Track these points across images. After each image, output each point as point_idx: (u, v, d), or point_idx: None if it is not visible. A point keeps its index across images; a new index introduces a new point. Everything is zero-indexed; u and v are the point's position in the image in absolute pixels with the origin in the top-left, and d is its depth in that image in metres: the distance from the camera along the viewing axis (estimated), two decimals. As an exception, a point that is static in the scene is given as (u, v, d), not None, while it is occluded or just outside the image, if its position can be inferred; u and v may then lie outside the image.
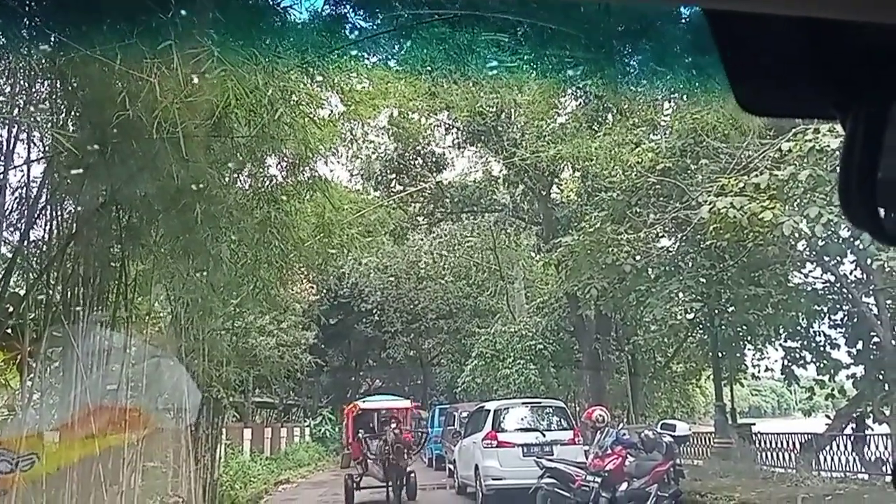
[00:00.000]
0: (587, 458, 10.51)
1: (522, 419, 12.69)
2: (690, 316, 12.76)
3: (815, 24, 0.92)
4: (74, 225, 8.11)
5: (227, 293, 10.21)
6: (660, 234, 11.96)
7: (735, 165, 10.09)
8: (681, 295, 12.26)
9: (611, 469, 9.30)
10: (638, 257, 12.18)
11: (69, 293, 8.33)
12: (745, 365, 15.84)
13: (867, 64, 0.94)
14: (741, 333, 14.08)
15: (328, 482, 19.72)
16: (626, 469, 9.31)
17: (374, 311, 30.63)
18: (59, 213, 8.09)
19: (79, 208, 8.07)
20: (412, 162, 19.13)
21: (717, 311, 12.92)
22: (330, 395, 33.69)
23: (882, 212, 0.98)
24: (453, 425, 17.93)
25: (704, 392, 25.64)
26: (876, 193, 0.96)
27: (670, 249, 12.37)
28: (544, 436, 11.89)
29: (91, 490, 8.29)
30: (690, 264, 12.26)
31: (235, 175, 8.53)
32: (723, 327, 13.18)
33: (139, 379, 9.60)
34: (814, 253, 12.20)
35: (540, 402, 13.47)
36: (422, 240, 24.07)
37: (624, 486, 9.13)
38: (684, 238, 11.47)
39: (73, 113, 7.64)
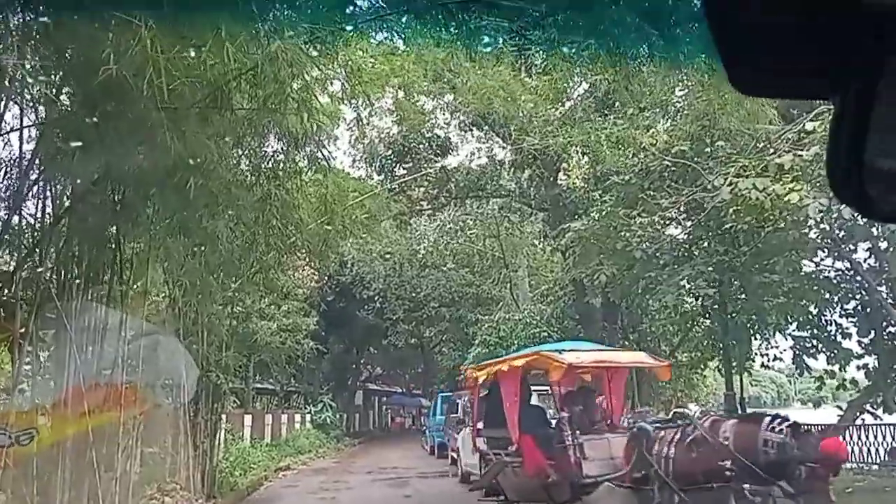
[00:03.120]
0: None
1: None
2: (702, 303, 12.35)
3: (807, 5, 0.95)
4: (67, 200, 7.82)
5: (225, 274, 9.91)
6: (673, 219, 11.59)
7: (753, 147, 9.75)
8: (692, 282, 11.91)
9: (623, 459, 8.97)
10: (649, 243, 11.84)
11: (62, 272, 8.06)
12: (754, 354, 15.51)
13: (855, 44, 0.95)
14: (751, 322, 13.73)
15: (329, 469, 19.55)
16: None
17: (375, 298, 30.34)
18: (52, 188, 7.80)
19: (72, 183, 7.75)
20: (417, 146, 18.74)
21: (728, 299, 12.55)
22: (330, 381, 33.49)
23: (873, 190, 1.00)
24: (456, 413, 17.67)
25: (706, 382, 25.37)
26: (862, 171, 0.98)
27: (683, 235, 12.01)
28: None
29: (84, 477, 8.04)
30: (703, 250, 11.92)
31: (234, 150, 8.21)
32: (733, 315, 12.82)
33: (135, 362, 9.35)
34: (829, 240, 11.86)
35: (546, 390, 13.10)
36: (425, 226, 23.75)
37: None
38: (698, 223, 11.13)
39: (66, 85, 7.33)
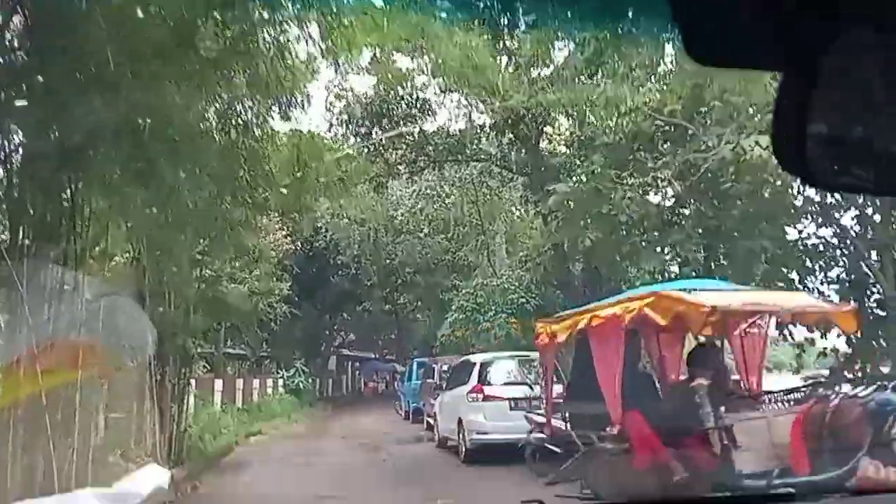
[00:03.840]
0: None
1: (510, 372, 12.06)
2: (687, 269, 11.94)
3: None
4: (14, 149, 7.17)
5: (191, 231, 9.31)
6: (661, 182, 11.16)
7: (751, 107, 9.36)
8: (678, 247, 11.53)
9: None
10: (636, 207, 11.51)
11: (12, 228, 7.44)
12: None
13: (805, 18, 0.99)
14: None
15: (301, 434, 19.21)
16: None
17: (350, 265, 29.98)
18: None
19: (19, 128, 7.09)
20: (394, 107, 18.08)
21: (715, 264, 12.17)
22: (303, 347, 33.08)
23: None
24: (433, 378, 17.40)
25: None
26: (806, 140, 1.03)
27: (671, 199, 11.59)
28: (532, 390, 11.29)
29: (39, 445, 7.55)
30: (693, 214, 11.52)
31: (199, 95, 7.56)
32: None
33: (95, 325, 8.79)
34: (818, 206, 11.59)
35: (528, 356, 12.79)
36: (401, 190, 23.21)
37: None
38: (689, 186, 10.73)
39: (12, 19, 6.66)
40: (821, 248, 13.28)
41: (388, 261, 30.24)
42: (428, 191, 22.64)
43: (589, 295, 17.94)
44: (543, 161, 16.98)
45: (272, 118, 8.11)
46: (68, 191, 7.58)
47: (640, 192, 10.76)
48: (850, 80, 1.02)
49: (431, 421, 16.51)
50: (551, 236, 15.09)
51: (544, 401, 9.30)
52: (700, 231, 11.07)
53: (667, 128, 10.39)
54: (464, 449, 11.44)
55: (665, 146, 10.70)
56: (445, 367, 17.40)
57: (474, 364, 12.12)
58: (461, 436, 11.56)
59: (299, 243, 29.15)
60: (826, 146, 1.03)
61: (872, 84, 1.02)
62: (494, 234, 25.16)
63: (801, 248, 13.41)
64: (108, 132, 6.56)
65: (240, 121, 7.54)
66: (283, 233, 24.51)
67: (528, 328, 20.00)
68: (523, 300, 19.74)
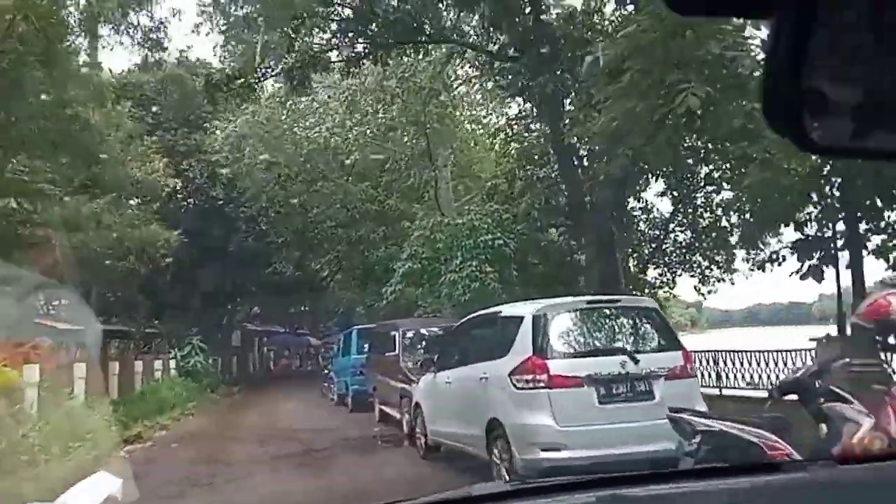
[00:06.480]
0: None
1: (584, 332, 6.61)
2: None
3: None
4: None
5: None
6: None
7: None
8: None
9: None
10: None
11: None
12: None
13: None
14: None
15: (201, 436, 13.61)
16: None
17: (256, 219, 25.11)
18: None
19: None
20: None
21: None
22: (200, 320, 27.32)
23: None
24: (393, 350, 12.13)
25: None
26: (800, 99, 0.88)
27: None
28: (635, 362, 6.18)
29: None
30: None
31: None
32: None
33: None
34: None
35: (618, 301, 7.34)
36: (318, 99, 17.80)
37: None
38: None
39: None
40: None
41: (299, 214, 24.87)
42: (363, 102, 17.30)
43: (615, 220, 13.24)
44: (546, 37, 11.79)
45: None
46: None
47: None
48: (856, 26, 0.84)
49: (393, 412, 11.43)
50: (577, 126, 10.07)
51: None
52: None
53: None
54: (505, 474, 6.10)
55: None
56: (411, 334, 12.20)
57: (519, 320, 6.34)
58: (497, 451, 6.24)
59: (191, 188, 23.61)
60: (825, 105, 0.87)
61: (883, 32, 0.83)
62: (442, 165, 20.03)
63: None
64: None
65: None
66: (166, 166, 18.82)
67: (506, 280, 15.28)
68: (500, 242, 15.03)
